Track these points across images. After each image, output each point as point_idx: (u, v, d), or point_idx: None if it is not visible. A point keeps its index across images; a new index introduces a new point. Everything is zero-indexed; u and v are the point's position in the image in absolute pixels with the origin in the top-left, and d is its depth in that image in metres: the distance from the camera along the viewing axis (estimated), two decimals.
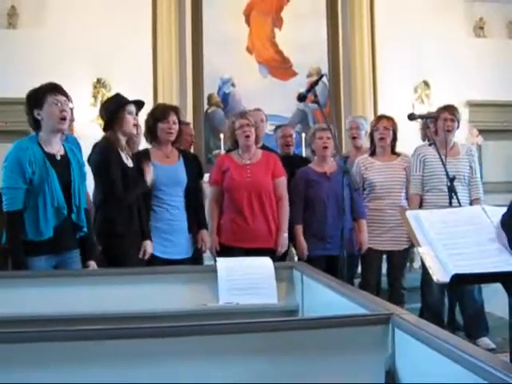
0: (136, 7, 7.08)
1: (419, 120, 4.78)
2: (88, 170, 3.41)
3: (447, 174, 3.74)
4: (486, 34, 8.00)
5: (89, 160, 3.53)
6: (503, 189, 7.22)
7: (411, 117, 4.08)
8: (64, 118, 3.02)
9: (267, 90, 7.42)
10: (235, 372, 1.47)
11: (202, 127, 7.38)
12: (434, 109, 6.20)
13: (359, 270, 4.54)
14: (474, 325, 4.35)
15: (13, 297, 2.37)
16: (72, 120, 4.60)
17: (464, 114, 6.05)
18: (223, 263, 2.64)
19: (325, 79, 6.43)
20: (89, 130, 6.22)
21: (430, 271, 2.07)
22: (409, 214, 2.31)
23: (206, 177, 4.45)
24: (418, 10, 7.49)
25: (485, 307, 4.39)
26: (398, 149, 4.64)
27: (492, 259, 2.07)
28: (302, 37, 7.54)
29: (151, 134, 3.85)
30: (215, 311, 2.43)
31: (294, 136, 5.10)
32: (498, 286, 2.24)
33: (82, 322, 2.20)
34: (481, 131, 7.60)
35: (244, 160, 4.05)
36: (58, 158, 3.07)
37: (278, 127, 5.18)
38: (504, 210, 2.17)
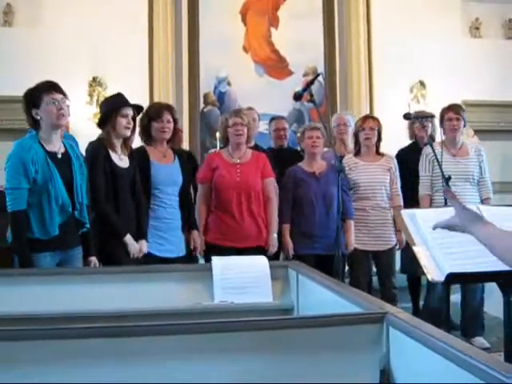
0: (132, 6, 7.06)
1: (412, 119, 4.79)
2: None
3: (443, 175, 3.75)
4: (482, 34, 8.01)
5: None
6: (499, 189, 7.22)
7: (407, 116, 4.09)
8: (62, 115, 3.03)
9: (263, 89, 7.42)
10: (230, 371, 1.47)
11: (197, 126, 7.38)
12: (429, 109, 6.21)
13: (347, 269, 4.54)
14: (470, 324, 4.36)
15: (12, 295, 2.38)
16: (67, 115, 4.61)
17: None
18: (218, 262, 2.64)
19: (321, 78, 6.41)
20: (84, 128, 6.20)
21: (425, 270, 2.07)
22: (404, 213, 2.32)
23: None
24: (414, 9, 7.49)
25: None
26: (394, 148, 4.65)
27: (487, 258, 2.07)
28: (299, 36, 7.53)
29: (146, 133, 3.85)
30: (210, 310, 2.43)
31: (288, 129, 5.09)
32: (493, 285, 2.24)
33: (77, 320, 2.20)
34: (476, 131, 7.61)
35: (234, 159, 4.05)
36: (60, 156, 3.10)
37: (271, 120, 5.18)
38: (499, 209, 2.17)
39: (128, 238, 3.42)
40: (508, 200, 6.40)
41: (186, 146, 6.43)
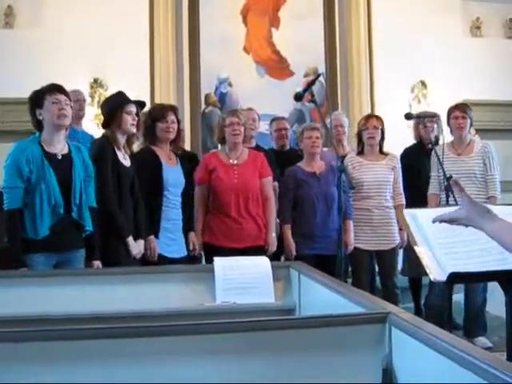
0: (133, 7, 7.06)
1: (415, 119, 4.79)
2: None
3: (444, 174, 3.75)
4: (483, 33, 8.00)
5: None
6: (500, 188, 7.22)
7: (408, 116, 4.08)
8: (64, 115, 3.04)
9: (264, 89, 7.41)
10: (232, 371, 1.47)
11: (198, 127, 7.38)
12: (431, 108, 6.22)
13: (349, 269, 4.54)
14: (472, 324, 4.36)
15: (12, 296, 2.37)
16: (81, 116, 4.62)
17: None
18: (220, 262, 2.64)
19: (322, 79, 6.40)
20: (85, 129, 6.20)
21: (427, 270, 2.07)
22: (406, 212, 2.32)
23: None
24: (414, 9, 7.49)
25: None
26: (395, 148, 4.65)
27: (489, 258, 2.08)
28: (299, 36, 7.53)
29: (150, 134, 3.84)
30: (212, 310, 2.43)
31: (289, 129, 5.09)
32: (495, 284, 2.24)
33: (78, 321, 2.20)
34: (477, 130, 7.59)
35: (231, 159, 4.04)
36: (59, 157, 3.12)
37: (272, 120, 5.18)
38: (500, 208, 2.17)
39: (130, 239, 3.43)
40: (509, 199, 6.40)
41: (187, 146, 6.43)
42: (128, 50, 6.92)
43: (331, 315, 1.66)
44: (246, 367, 1.48)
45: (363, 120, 4.55)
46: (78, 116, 4.65)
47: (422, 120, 4.70)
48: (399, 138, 5.21)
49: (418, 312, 4.63)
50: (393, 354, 1.51)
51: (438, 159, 3.86)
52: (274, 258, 3.98)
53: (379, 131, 4.43)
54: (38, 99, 3.08)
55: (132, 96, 3.64)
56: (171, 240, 3.75)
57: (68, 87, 3.27)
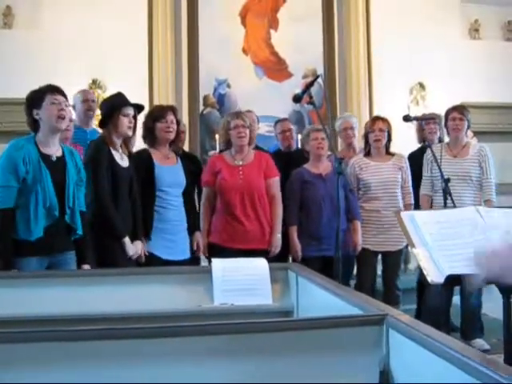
0: (132, 8, 7.07)
1: (414, 122, 4.80)
2: None
3: (442, 176, 3.75)
4: (482, 36, 8.02)
5: (84, 157, 3.54)
6: (497, 191, 7.22)
7: (406, 118, 4.09)
8: (62, 117, 3.03)
9: (263, 91, 7.43)
10: (230, 373, 1.47)
11: (197, 128, 7.38)
12: (429, 110, 6.22)
13: (355, 270, 4.55)
14: (469, 326, 4.36)
15: (5, 297, 2.37)
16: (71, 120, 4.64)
17: None
18: (218, 264, 2.64)
19: (320, 80, 6.42)
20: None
21: (425, 272, 2.07)
22: (403, 214, 2.32)
23: None
24: (413, 11, 7.50)
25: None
26: (393, 150, 4.65)
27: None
28: (298, 38, 7.54)
29: (150, 134, 3.84)
30: (210, 312, 2.43)
31: (293, 130, 5.09)
32: (493, 287, 2.24)
33: (76, 322, 2.20)
34: (476, 133, 7.60)
35: (236, 161, 4.05)
36: (54, 159, 3.09)
37: (276, 122, 5.18)
38: (498, 211, 2.17)
39: (127, 240, 3.42)
40: (507, 202, 6.40)
41: (185, 147, 6.43)
42: (127, 51, 6.92)
43: (329, 317, 1.66)
44: (243, 369, 1.48)
45: (369, 122, 4.56)
46: (87, 116, 4.62)
47: (420, 122, 4.70)
48: (397, 139, 5.21)
49: (419, 314, 4.61)
50: (390, 356, 1.51)
51: (436, 160, 3.86)
52: (280, 259, 3.97)
53: (385, 133, 4.44)
54: (36, 99, 3.04)
55: (130, 97, 3.64)
56: (171, 242, 3.72)
57: (67, 88, 3.26)
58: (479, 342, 4.24)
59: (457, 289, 4.34)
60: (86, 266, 3.16)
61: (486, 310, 4.47)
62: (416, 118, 4.69)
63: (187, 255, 3.82)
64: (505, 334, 2.14)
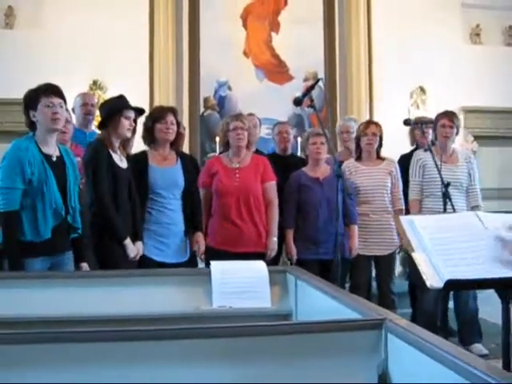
0: (133, 9, 7.07)
1: (411, 125, 4.79)
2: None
3: (442, 180, 3.75)
4: (483, 40, 8.03)
5: (83, 159, 3.54)
6: (497, 195, 7.23)
7: (407, 122, 4.09)
8: (57, 119, 3.02)
9: (263, 93, 7.43)
10: (228, 376, 1.47)
11: (197, 130, 7.38)
12: (429, 114, 6.22)
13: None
14: (467, 331, 4.36)
15: (6, 298, 2.37)
16: (68, 121, 4.64)
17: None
18: (217, 266, 2.64)
19: (321, 84, 6.42)
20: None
21: (424, 277, 2.07)
22: (403, 219, 2.32)
23: None
24: (414, 15, 7.51)
25: (479, 313, 4.40)
26: (394, 154, 4.65)
27: (486, 265, 2.07)
28: (299, 41, 7.54)
29: (149, 135, 3.84)
30: (208, 315, 2.43)
31: (291, 133, 5.09)
32: (492, 292, 2.24)
33: (74, 324, 2.20)
34: (476, 137, 7.63)
35: (233, 163, 4.04)
36: (54, 159, 3.09)
37: (275, 125, 5.18)
38: (498, 216, 2.17)
39: (128, 242, 3.42)
40: (506, 206, 6.41)
41: (185, 149, 6.42)
42: (128, 52, 6.93)
43: (327, 321, 1.66)
44: (241, 372, 1.48)
45: (362, 126, 4.55)
46: (86, 120, 4.62)
47: (420, 126, 4.70)
48: (398, 143, 5.22)
49: (415, 317, 4.62)
50: (388, 360, 1.51)
51: (436, 166, 3.86)
52: (272, 262, 3.97)
53: (377, 138, 4.44)
54: (31, 100, 3.03)
55: (131, 98, 3.64)
56: (163, 244, 3.70)
57: (67, 89, 3.25)
58: (478, 347, 4.24)
59: (451, 294, 4.34)
60: (84, 265, 3.17)
61: (484, 315, 4.46)
62: (416, 122, 4.69)
63: (182, 258, 3.79)
64: (503, 339, 2.14)
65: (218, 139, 6.06)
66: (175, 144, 3.92)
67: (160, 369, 1.44)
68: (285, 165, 4.56)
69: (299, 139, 5.03)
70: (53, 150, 3.10)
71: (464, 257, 2.10)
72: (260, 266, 2.68)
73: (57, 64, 6.56)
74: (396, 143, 4.78)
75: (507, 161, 7.87)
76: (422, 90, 7.64)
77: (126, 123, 3.47)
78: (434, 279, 2.05)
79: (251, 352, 1.50)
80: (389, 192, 4.41)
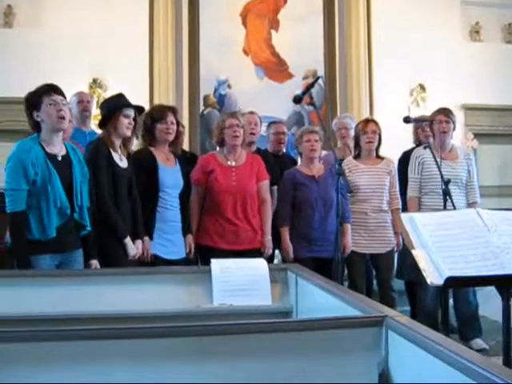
0: (133, 8, 7.07)
1: (414, 123, 4.79)
2: None
3: (442, 177, 3.75)
4: (482, 38, 8.03)
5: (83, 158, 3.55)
6: (497, 193, 7.24)
7: (406, 120, 4.09)
8: (62, 117, 3.04)
9: (263, 91, 7.43)
10: (229, 373, 1.47)
11: (197, 128, 7.39)
12: (429, 112, 6.22)
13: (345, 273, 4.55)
14: (467, 327, 4.37)
15: (13, 296, 2.37)
16: (86, 116, 4.66)
17: (459, 117, 6.06)
18: (217, 264, 2.64)
19: (321, 81, 6.44)
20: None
21: (424, 274, 2.07)
22: (403, 216, 2.32)
23: None
24: (413, 13, 7.51)
25: (479, 310, 4.41)
26: (394, 151, 4.65)
27: (486, 262, 2.08)
28: (299, 39, 7.55)
29: (150, 134, 3.84)
30: (209, 312, 2.43)
31: (288, 135, 5.08)
32: (492, 289, 2.24)
33: (75, 322, 2.20)
34: (476, 135, 7.63)
35: (229, 161, 4.04)
36: (60, 158, 3.10)
37: (271, 123, 5.16)
38: (498, 213, 2.18)
39: (128, 240, 3.43)
40: (507, 203, 6.41)
41: (185, 147, 6.42)
42: (127, 50, 6.93)
43: (328, 318, 1.66)
44: (242, 369, 1.48)
45: (361, 124, 4.54)
46: (84, 116, 4.64)
47: (420, 124, 4.70)
48: (398, 141, 5.22)
49: (414, 315, 4.63)
50: (389, 357, 1.51)
51: (436, 162, 3.85)
52: (267, 260, 3.98)
53: (377, 136, 4.44)
54: (34, 101, 3.05)
55: (131, 96, 3.64)
56: (168, 241, 3.74)
57: (67, 87, 3.26)
58: (478, 342, 4.24)
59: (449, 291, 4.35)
60: (94, 262, 3.20)
61: (485, 312, 4.47)
62: (416, 120, 4.68)
63: (183, 254, 3.84)
64: (504, 335, 2.14)
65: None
66: (174, 143, 3.92)
67: (161, 366, 1.44)
68: (277, 163, 4.57)
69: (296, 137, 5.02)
70: (58, 150, 3.12)
71: (464, 254, 2.10)
72: (260, 263, 2.68)
73: (56, 63, 6.56)
74: (396, 141, 4.78)
75: (507, 158, 7.88)
76: (422, 87, 7.64)
77: (125, 121, 3.47)
78: (434, 276, 2.06)
79: (252, 349, 1.50)
80: (387, 191, 4.41)
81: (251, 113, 4.70)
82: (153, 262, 3.58)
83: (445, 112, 4.45)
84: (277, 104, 7.17)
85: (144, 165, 3.68)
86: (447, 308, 4.10)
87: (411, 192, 4.42)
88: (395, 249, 4.44)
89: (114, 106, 3.52)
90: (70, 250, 3.11)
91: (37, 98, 3.04)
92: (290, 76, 7.61)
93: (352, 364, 1.53)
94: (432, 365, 1.30)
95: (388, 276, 4.43)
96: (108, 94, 6.12)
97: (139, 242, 3.54)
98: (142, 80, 7.04)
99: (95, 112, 6.34)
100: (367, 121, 4.64)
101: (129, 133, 3.53)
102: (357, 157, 4.51)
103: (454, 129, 4.47)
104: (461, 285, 3.03)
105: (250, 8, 7.66)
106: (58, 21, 6.85)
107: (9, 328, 1.49)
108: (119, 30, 6.87)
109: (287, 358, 1.50)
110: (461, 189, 4.34)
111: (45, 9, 6.96)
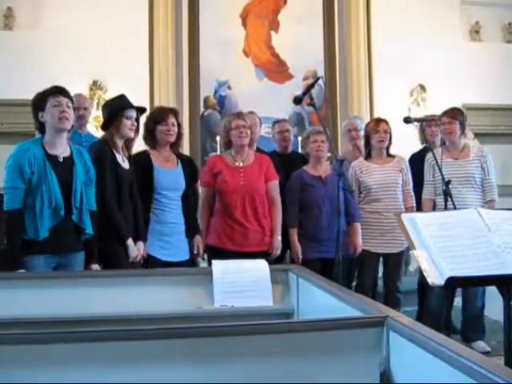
0: (133, 9, 7.08)
1: (416, 123, 4.79)
2: None
3: (443, 178, 3.75)
4: (482, 37, 8.04)
5: None
6: (499, 192, 7.22)
7: (407, 120, 4.09)
8: (65, 118, 3.05)
9: (263, 92, 7.44)
10: (230, 374, 1.47)
11: (198, 130, 7.39)
12: (429, 112, 6.22)
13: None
14: (471, 327, 4.36)
15: (10, 298, 2.37)
16: (83, 122, 4.63)
17: None
18: (219, 265, 2.64)
19: (321, 82, 6.42)
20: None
21: (425, 274, 2.07)
22: (404, 216, 2.32)
23: None
24: (413, 13, 7.51)
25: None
26: (393, 151, 4.64)
27: (487, 262, 2.08)
28: (299, 40, 7.56)
29: (151, 136, 3.85)
30: (210, 314, 2.42)
31: (291, 131, 5.07)
32: (493, 289, 2.24)
33: (76, 324, 2.20)
34: (476, 135, 7.61)
35: (237, 162, 4.03)
36: (61, 159, 3.12)
37: (275, 123, 5.16)
38: (499, 213, 2.17)
39: (130, 242, 3.43)
40: (508, 203, 6.40)
41: (186, 149, 6.44)
42: (128, 52, 6.94)
43: (329, 319, 1.66)
44: (243, 370, 1.48)
45: (372, 123, 4.54)
46: (79, 124, 4.64)
47: (421, 123, 4.69)
48: (397, 141, 5.20)
49: (420, 316, 4.60)
50: (390, 358, 1.51)
51: (437, 163, 3.86)
52: (276, 260, 3.97)
53: (388, 135, 4.44)
54: (40, 102, 3.09)
55: (131, 98, 3.65)
56: (167, 243, 3.73)
57: (67, 89, 3.26)
58: (480, 344, 4.23)
59: (459, 290, 4.33)
60: (95, 266, 3.19)
61: (486, 312, 4.46)
62: (417, 120, 4.68)
63: (185, 257, 3.82)
64: (505, 336, 2.14)
65: (218, 139, 6.07)
66: (175, 144, 3.93)
67: (162, 368, 1.44)
68: (286, 163, 4.55)
69: (299, 138, 5.02)
70: (61, 151, 3.13)
71: (465, 254, 2.10)
72: (262, 264, 2.68)
73: (56, 65, 6.57)
74: (396, 141, 4.76)
75: (508, 158, 7.87)
76: (422, 87, 7.65)
77: (127, 123, 3.48)
78: (435, 276, 2.05)
79: (254, 351, 1.50)
80: (400, 189, 4.41)
81: (250, 113, 4.70)
82: (149, 264, 3.57)
83: (448, 113, 4.45)
84: (277, 105, 7.17)
85: (140, 167, 3.68)
86: (450, 308, 4.10)
87: (425, 195, 4.42)
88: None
89: (116, 108, 3.52)
90: (68, 253, 3.10)
91: (43, 99, 3.08)
92: (290, 77, 7.62)
93: (353, 364, 1.53)
94: (433, 365, 1.30)
95: (395, 276, 4.41)
96: (108, 96, 6.14)
97: (140, 243, 3.54)
98: (142, 82, 7.05)
99: (95, 114, 6.39)
100: (378, 120, 4.63)
101: (131, 134, 3.54)
102: (367, 157, 4.51)
103: (463, 128, 4.46)
104: (462, 285, 3.02)
105: (250, 9, 7.67)
106: (58, 23, 6.85)
107: (4, 331, 1.49)
108: (119, 32, 6.88)
109: (289, 359, 1.50)
110: (474, 187, 4.32)
111: (44, 11, 6.97)
